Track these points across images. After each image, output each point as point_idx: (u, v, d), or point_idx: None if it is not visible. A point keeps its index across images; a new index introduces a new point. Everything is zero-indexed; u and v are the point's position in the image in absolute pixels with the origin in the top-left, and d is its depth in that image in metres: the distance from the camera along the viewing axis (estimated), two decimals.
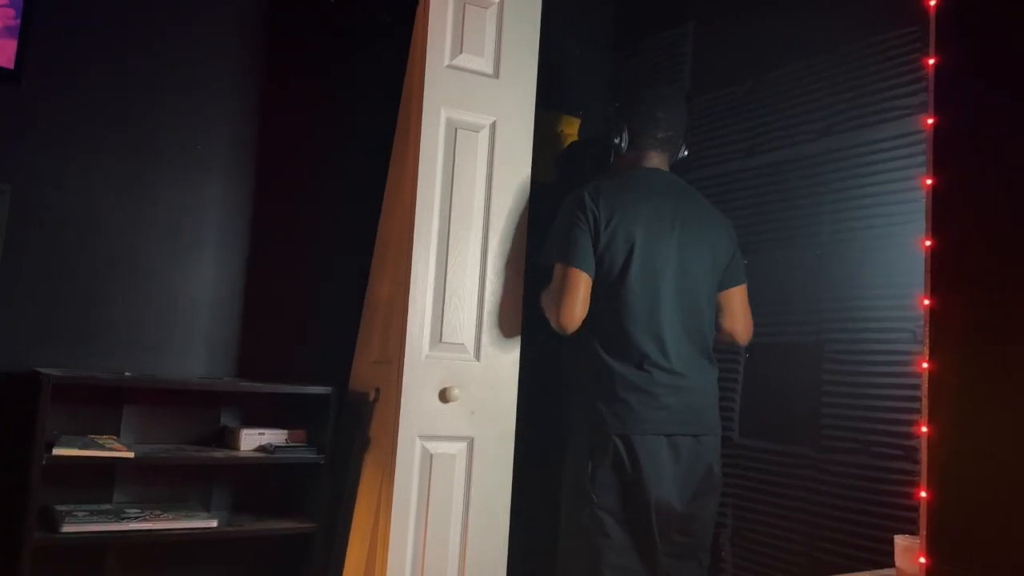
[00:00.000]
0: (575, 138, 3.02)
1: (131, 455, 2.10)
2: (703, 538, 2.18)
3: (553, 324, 2.15)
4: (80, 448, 2.05)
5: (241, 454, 2.29)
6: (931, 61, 1.27)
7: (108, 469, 2.29)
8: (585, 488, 2.07)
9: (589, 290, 2.13)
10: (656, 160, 2.32)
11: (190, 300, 2.49)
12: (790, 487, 2.27)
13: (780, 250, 2.37)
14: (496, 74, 2.38)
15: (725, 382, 2.42)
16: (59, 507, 2.14)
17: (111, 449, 2.10)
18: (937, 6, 1.27)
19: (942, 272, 1.20)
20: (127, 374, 2.30)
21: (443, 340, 2.25)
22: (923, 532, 1.21)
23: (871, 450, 2.08)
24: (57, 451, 2.01)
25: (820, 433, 2.21)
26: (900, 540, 1.64)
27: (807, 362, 2.26)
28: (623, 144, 2.31)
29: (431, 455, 2.20)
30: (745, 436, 2.43)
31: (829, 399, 2.20)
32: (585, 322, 2.15)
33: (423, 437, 2.19)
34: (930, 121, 1.25)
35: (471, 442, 2.26)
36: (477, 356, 2.30)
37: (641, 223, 2.15)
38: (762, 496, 2.34)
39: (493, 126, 2.36)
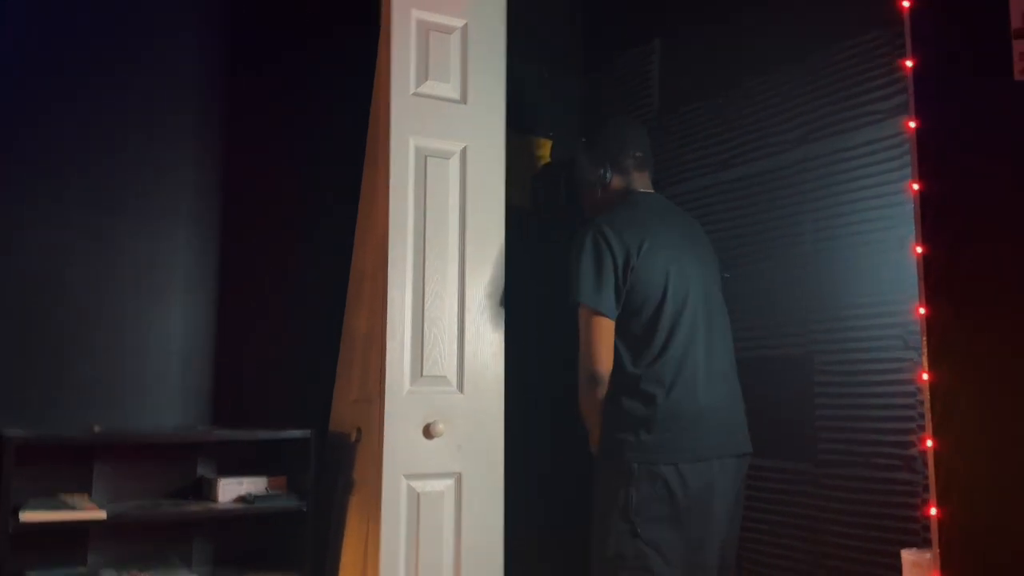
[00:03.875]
0: (547, 160, 2.99)
1: (103, 515, 2.00)
2: (730, 557, 2.13)
3: (586, 374, 2.06)
4: (49, 511, 1.96)
5: (220, 506, 2.19)
6: (909, 63, 1.24)
7: (81, 530, 2.19)
8: (629, 520, 1.97)
9: (613, 335, 2.07)
10: (641, 181, 2.29)
11: (160, 349, 2.40)
12: (791, 504, 2.22)
13: (763, 262, 2.34)
14: (464, 99, 2.34)
15: None
16: (30, 574, 2.04)
17: (82, 510, 2.01)
18: (911, 6, 1.24)
19: (937, 279, 1.16)
20: (97, 429, 2.20)
21: (424, 373, 2.18)
22: (936, 550, 1.16)
23: (870, 462, 2.03)
24: (24, 516, 1.91)
25: (817, 447, 2.16)
26: (907, 555, 1.59)
27: (798, 375, 2.22)
28: (608, 174, 2.26)
29: (418, 494, 2.12)
30: None
31: (823, 411, 2.15)
32: (618, 354, 2.08)
33: (409, 476, 2.12)
34: (912, 124, 1.22)
35: (459, 478, 2.19)
36: (460, 388, 2.23)
37: (669, 250, 2.12)
38: (764, 515, 2.28)
39: (463, 152, 2.32)
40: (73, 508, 2.01)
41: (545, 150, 3.01)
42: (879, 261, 2.04)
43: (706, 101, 2.57)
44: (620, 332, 2.08)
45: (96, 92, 2.38)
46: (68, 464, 2.21)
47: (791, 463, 2.22)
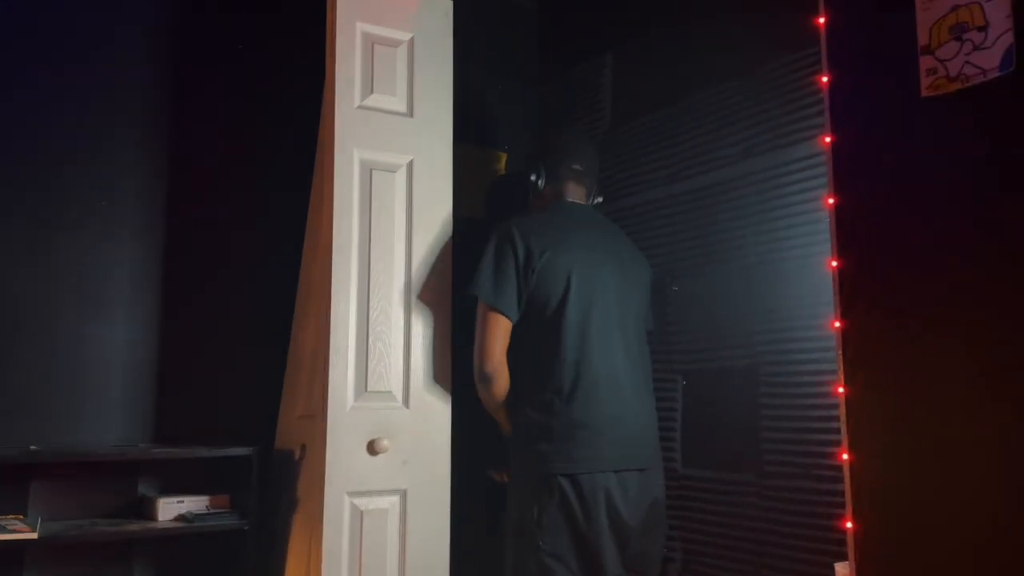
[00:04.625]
0: (502, 173, 2.98)
1: (34, 536, 1.95)
2: (651, 574, 2.14)
3: (476, 371, 2.12)
4: None
5: (159, 525, 2.14)
6: (825, 79, 1.25)
7: (16, 551, 2.12)
8: (532, 532, 1.99)
9: (508, 334, 2.11)
10: (575, 193, 2.31)
11: (101, 364, 2.35)
12: (736, 516, 2.21)
13: (710, 275, 2.34)
14: (410, 113, 2.33)
15: (664, 411, 2.37)
16: None
17: (12, 531, 1.95)
18: (826, 24, 1.25)
19: (850, 292, 1.16)
20: (32, 447, 2.15)
21: (369, 389, 2.16)
22: (852, 564, 1.16)
23: (812, 473, 2.04)
24: None
25: (762, 458, 2.16)
26: (840, 569, 1.59)
27: (744, 387, 2.22)
28: (540, 181, 2.30)
29: (361, 512, 2.09)
30: (688, 466, 2.37)
31: (768, 423, 2.16)
32: (523, 359, 2.11)
33: (352, 494, 2.09)
34: (828, 139, 1.23)
35: (404, 494, 2.16)
36: (406, 403, 2.21)
37: (575, 255, 2.13)
38: (710, 528, 2.28)
39: (410, 165, 2.31)
40: (3, 529, 1.96)
41: (500, 162, 3.01)
42: (819, 274, 2.05)
43: (655, 114, 2.58)
44: (522, 337, 2.11)
45: (37, 101, 2.33)
46: (3, 483, 2.15)
47: (737, 474, 2.22)
